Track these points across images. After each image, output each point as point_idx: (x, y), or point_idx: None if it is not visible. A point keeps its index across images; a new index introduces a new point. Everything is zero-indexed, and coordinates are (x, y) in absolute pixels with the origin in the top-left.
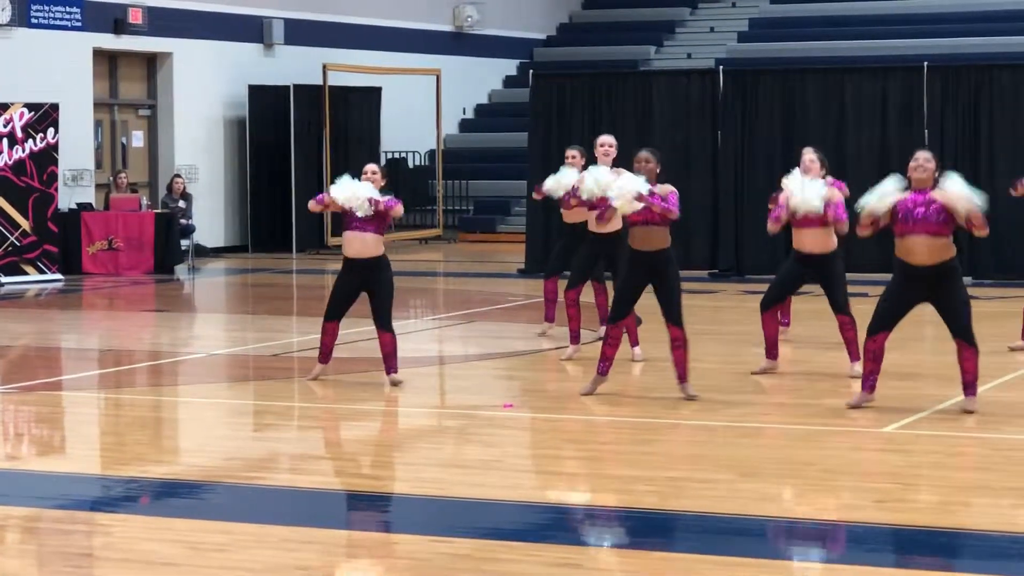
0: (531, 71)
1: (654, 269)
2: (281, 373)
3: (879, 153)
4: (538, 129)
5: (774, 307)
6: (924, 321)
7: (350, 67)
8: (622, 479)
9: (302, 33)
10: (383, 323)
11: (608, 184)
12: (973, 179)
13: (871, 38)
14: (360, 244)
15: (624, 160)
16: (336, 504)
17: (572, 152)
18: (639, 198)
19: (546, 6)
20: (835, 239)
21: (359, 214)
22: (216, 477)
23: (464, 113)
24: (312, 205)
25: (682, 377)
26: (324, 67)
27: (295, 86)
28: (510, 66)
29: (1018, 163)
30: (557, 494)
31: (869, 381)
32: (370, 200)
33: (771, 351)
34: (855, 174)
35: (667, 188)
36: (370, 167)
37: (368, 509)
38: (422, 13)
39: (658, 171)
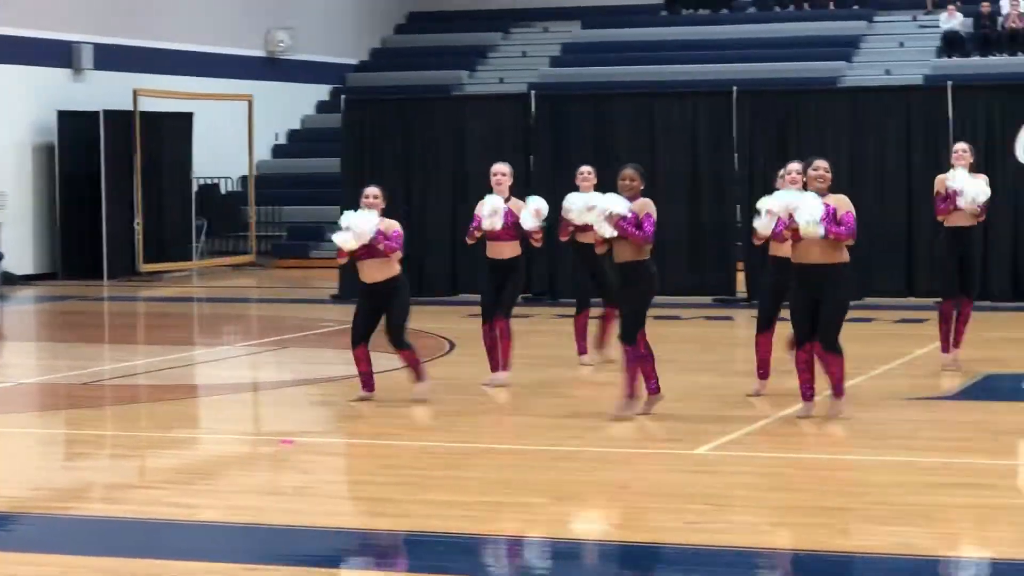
0: (343, 96)
1: (624, 279)
2: (92, 401)
3: (690, 177)
4: (351, 154)
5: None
6: (737, 344)
7: (161, 92)
8: (436, 504)
9: (112, 58)
10: (395, 342)
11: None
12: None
13: (683, 63)
14: (369, 270)
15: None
16: (149, 533)
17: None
18: (614, 223)
19: (358, 31)
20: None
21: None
22: (24, 508)
23: (277, 139)
24: (340, 260)
25: (652, 390)
26: (135, 92)
27: (105, 112)
28: (322, 91)
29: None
30: (371, 520)
31: (808, 391)
32: (376, 233)
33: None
34: (667, 196)
35: (645, 205)
36: (371, 191)
37: (181, 537)
38: (234, 38)
39: (642, 188)
